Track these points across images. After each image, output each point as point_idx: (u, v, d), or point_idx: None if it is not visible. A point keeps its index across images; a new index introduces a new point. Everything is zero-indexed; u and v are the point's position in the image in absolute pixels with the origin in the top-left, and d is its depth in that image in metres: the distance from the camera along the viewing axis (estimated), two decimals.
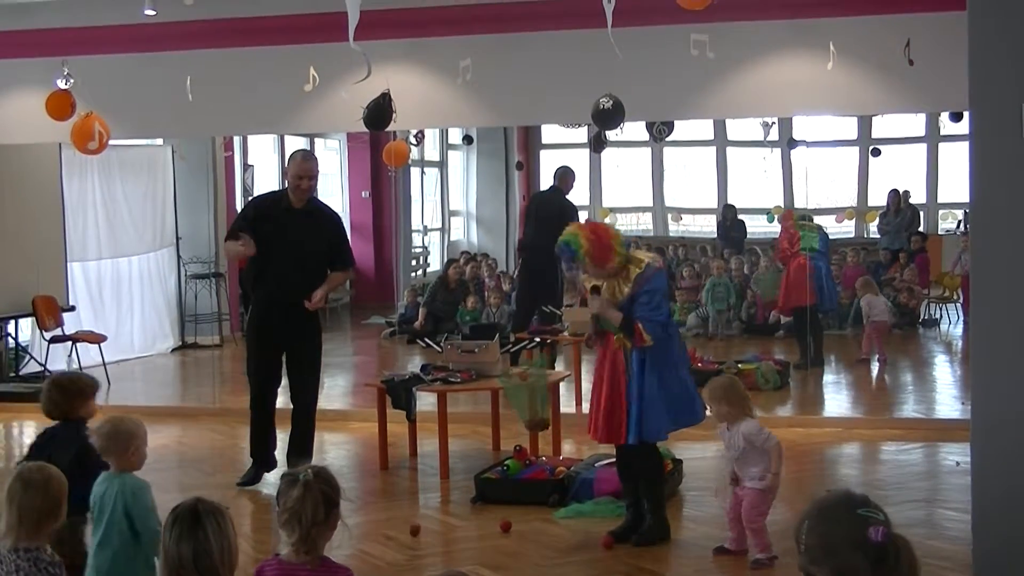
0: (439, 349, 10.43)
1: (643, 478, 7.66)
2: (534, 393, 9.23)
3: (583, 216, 25.73)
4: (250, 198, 9.81)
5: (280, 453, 9.43)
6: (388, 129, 11.59)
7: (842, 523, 2.86)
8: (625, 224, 25.37)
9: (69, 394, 6.39)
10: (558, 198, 14.32)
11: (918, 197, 23.37)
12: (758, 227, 23.54)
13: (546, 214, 13.92)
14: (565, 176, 14.58)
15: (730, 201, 24.50)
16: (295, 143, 20.78)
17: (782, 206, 23.34)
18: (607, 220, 19.04)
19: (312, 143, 21.45)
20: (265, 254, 9.05)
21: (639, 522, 7.65)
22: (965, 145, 19.86)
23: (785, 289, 14.22)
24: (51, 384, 6.49)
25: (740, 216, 23.34)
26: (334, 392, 13.87)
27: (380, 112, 10.53)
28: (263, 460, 9.36)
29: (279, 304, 9.17)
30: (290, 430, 9.45)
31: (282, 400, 9.66)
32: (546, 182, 26.55)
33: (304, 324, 9.25)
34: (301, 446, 9.28)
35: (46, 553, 4.50)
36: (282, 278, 9.08)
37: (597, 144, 19.27)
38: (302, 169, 9.20)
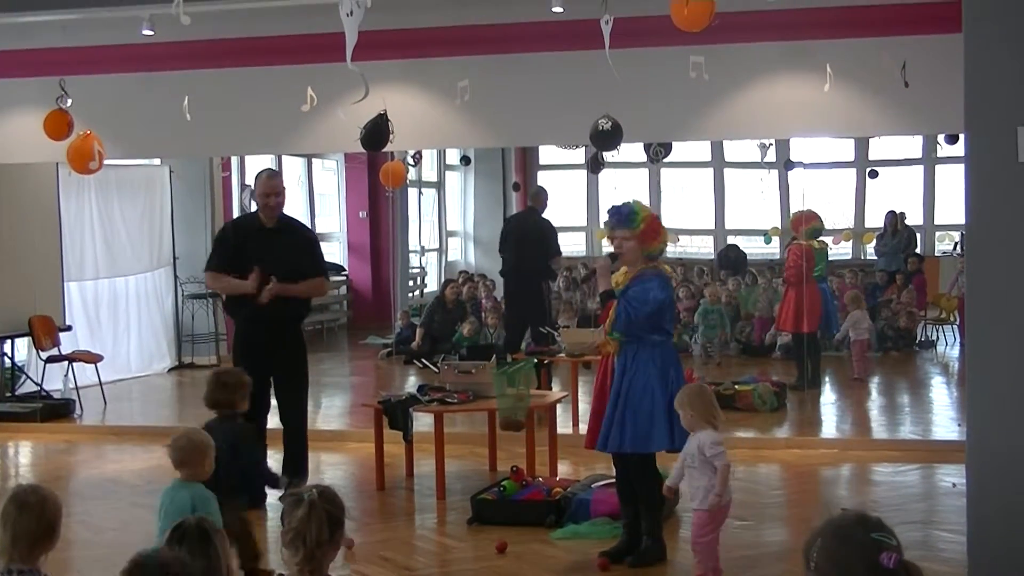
0: (436, 370, 10.44)
1: (641, 498, 7.66)
2: (520, 399, 9.28)
3: (580, 236, 25.87)
4: (224, 224, 9.89)
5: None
6: (385, 150, 11.59)
7: (855, 545, 2.85)
8: None
9: (231, 388, 7.26)
10: (535, 218, 14.34)
11: (915, 218, 23.38)
12: (755, 248, 23.54)
13: (525, 235, 13.94)
14: (539, 195, 14.64)
15: (728, 225, 24.56)
16: (293, 163, 20.84)
17: (779, 227, 23.38)
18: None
19: (310, 163, 21.49)
20: (244, 276, 9.16)
21: (635, 543, 7.64)
22: (962, 167, 20.00)
23: (795, 311, 13.94)
24: (215, 379, 7.37)
25: (738, 239, 23.38)
26: (331, 412, 13.88)
27: (377, 132, 10.53)
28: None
29: (264, 323, 9.21)
30: (283, 451, 9.42)
31: (273, 421, 9.64)
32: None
33: (289, 343, 9.29)
34: (296, 465, 9.27)
35: (38, 574, 4.47)
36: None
37: (595, 165, 19.28)
38: (268, 187, 9.35)
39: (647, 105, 10.74)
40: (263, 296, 9.13)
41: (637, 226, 7.53)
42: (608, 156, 17.81)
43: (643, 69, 10.32)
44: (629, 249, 7.61)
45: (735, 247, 23.61)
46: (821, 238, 14.66)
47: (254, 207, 9.86)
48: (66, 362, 13.92)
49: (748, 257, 23.20)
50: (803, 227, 14.20)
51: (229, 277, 9.40)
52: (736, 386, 12.83)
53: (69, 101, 11.14)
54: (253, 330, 9.32)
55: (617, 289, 7.60)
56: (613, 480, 8.05)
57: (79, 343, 14.82)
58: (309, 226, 21.34)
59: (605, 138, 10.24)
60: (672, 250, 25.98)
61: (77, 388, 13.80)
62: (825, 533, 2.92)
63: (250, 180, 18.77)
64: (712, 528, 6.98)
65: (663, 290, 7.56)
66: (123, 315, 16.29)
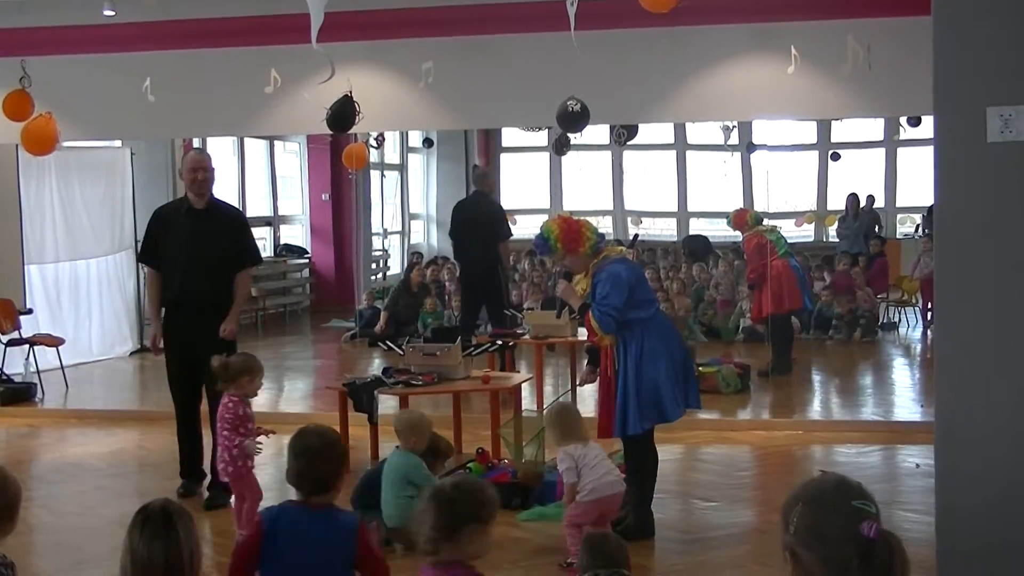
0: (401, 352, 10.41)
1: (635, 471, 7.75)
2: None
3: (542, 219, 25.83)
4: (154, 210, 9.73)
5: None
6: (351, 131, 11.54)
7: (836, 513, 2.85)
8: None
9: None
10: (485, 201, 14.16)
11: (877, 201, 23.48)
12: (718, 231, 23.60)
13: (473, 220, 13.75)
14: (486, 178, 14.49)
15: (691, 207, 24.66)
16: (255, 145, 20.76)
17: (746, 207, 23.41)
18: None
19: (272, 145, 21.41)
20: (170, 259, 9.06)
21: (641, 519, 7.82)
22: (923, 149, 20.10)
23: (772, 296, 13.77)
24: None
25: (700, 221, 23.45)
26: (295, 395, 13.84)
27: (344, 113, 10.48)
28: (193, 473, 9.25)
29: (187, 308, 9.02)
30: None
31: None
32: (506, 186, 26.61)
33: (215, 328, 9.01)
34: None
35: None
36: (188, 281, 8.99)
37: (560, 147, 19.23)
38: (195, 161, 9.18)
39: (611, 87, 10.73)
40: (225, 335, 8.98)
41: (556, 248, 7.74)
42: (572, 138, 17.79)
43: (608, 51, 10.34)
44: (569, 263, 7.91)
45: (699, 237, 23.64)
46: (764, 222, 14.70)
47: (218, 190, 9.68)
48: (27, 345, 13.80)
49: (711, 240, 23.24)
50: (745, 220, 14.27)
51: (154, 289, 9.31)
52: (700, 368, 12.83)
53: (30, 85, 11.05)
54: (176, 318, 9.14)
55: (587, 298, 7.71)
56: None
57: (40, 326, 14.71)
58: (269, 208, 21.42)
59: (573, 120, 10.22)
60: (635, 232, 26.07)
61: (39, 372, 13.70)
62: (805, 498, 2.91)
63: (214, 163, 18.72)
64: (583, 520, 7.12)
65: (622, 272, 7.64)
66: (84, 298, 16.18)
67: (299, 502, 4.66)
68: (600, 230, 8.04)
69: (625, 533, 7.58)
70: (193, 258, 8.98)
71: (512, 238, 14.50)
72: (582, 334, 12.28)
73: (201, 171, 9.12)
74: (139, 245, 9.63)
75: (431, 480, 7.27)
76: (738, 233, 14.97)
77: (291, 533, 4.53)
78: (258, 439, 7.71)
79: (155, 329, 9.24)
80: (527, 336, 12.56)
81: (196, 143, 17.59)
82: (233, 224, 9.40)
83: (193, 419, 9.27)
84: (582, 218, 8.14)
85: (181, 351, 9.06)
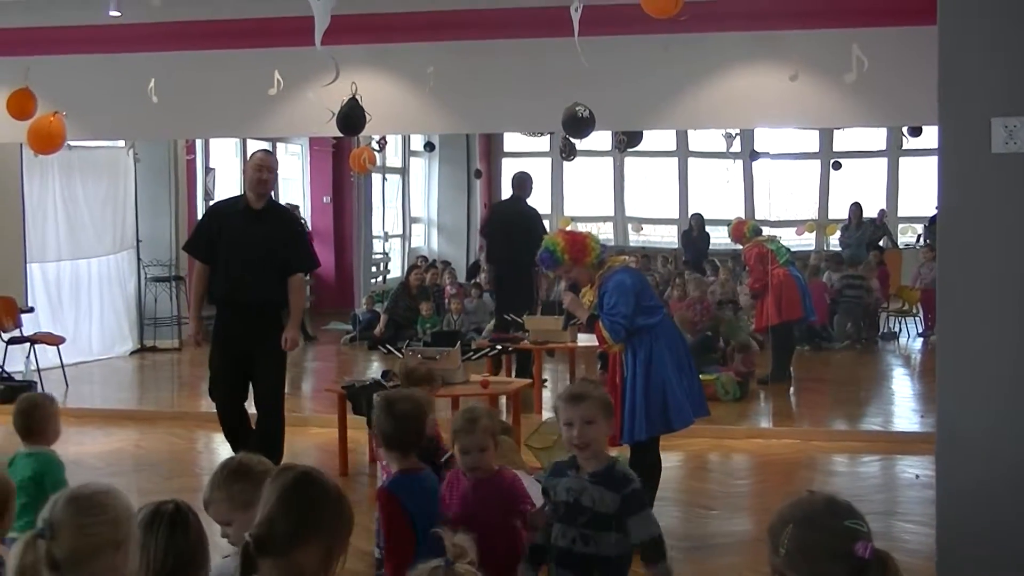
0: (400, 355, 10.40)
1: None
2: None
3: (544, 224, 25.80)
4: (211, 203, 9.61)
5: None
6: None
7: (829, 534, 2.82)
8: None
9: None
10: (520, 206, 14.21)
11: (877, 210, 23.49)
12: (719, 239, 23.59)
13: (510, 223, 13.85)
14: (523, 182, 14.50)
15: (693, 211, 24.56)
16: (257, 147, 20.72)
17: (744, 218, 23.40)
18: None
19: (274, 148, 21.37)
20: (223, 258, 8.99)
21: None
22: (925, 159, 20.04)
23: (775, 305, 13.70)
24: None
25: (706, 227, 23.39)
26: (294, 397, 13.82)
27: (353, 116, 10.49)
28: None
29: (238, 307, 9.00)
30: (255, 432, 9.21)
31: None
32: (508, 190, 26.60)
33: (267, 326, 9.09)
34: (271, 450, 9.11)
35: None
36: (240, 281, 8.94)
37: (568, 152, 19.19)
38: (262, 160, 9.08)
39: (614, 93, 10.73)
40: (288, 346, 9.07)
41: (562, 259, 7.76)
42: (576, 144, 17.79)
43: (611, 57, 10.33)
44: (576, 276, 7.91)
45: (699, 216, 23.54)
46: (764, 232, 14.71)
47: (218, 191, 9.68)
48: (28, 344, 13.82)
49: (711, 247, 23.19)
50: (744, 231, 14.27)
51: (200, 283, 9.22)
52: (699, 375, 12.82)
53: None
54: (228, 316, 9.12)
55: (594, 308, 7.73)
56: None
57: (41, 325, 14.73)
58: None
59: (580, 125, 10.24)
60: (635, 239, 26.08)
61: (39, 370, 13.70)
62: (796, 519, 2.88)
63: (214, 164, 18.75)
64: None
65: (627, 280, 7.67)
66: (85, 297, 16.20)
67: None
68: (600, 238, 8.07)
69: None
70: (247, 258, 8.92)
71: None
72: (582, 340, 12.32)
73: (266, 171, 9.08)
74: (191, 243, 9.48)
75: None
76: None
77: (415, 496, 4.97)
78: None
79: (195, 322, 9.22)
80: (526, 341, 12.55)
81: (198, 144, 17.64)
82: (289, 227, 9.36)
83: (239, 421, 9.21)
84: (584, 230, 8.16)
85: (229, 350, 9.03)
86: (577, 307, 7.93)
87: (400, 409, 5.16)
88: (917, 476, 9.47)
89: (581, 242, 7.76)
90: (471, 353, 10.92)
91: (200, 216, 9.51)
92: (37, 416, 6.01)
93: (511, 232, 13.73)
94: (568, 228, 8.36)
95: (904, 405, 13.19)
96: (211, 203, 9.68)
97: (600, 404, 4.88)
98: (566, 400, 4.93)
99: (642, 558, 4.75)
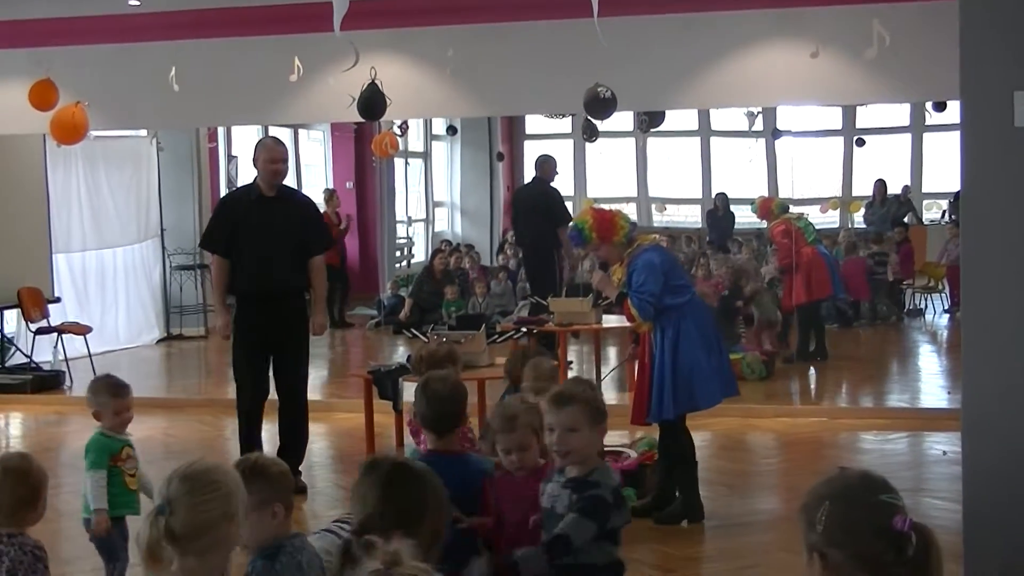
0: (425, 339, 10.41)
1: (670, 458, 7.86)
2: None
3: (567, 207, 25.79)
4: (221, 199, 9.48)
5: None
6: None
7: (866, 508, 2.79)
8: None
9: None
10: (542, 188, 14.23)
11: (901, 187, 23.41)
12: (743, 217, 23.55)
13: (532, 206, 13.90)
14: (546, 164, 14.48)
15: (715, 194, 24.51)
16: (279, 134, 20.74)
17: (770, 195, 23.36)
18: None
19: (296, 134, 21.41)
20: (243, 249, 8.89)
21: (664, 502, 7.83)
22: (949, 135, 19.96)
23: (804, 284, 13.63)
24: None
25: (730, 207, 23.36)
26: (318, 383, 13.85)
27: (374, 101, 10.49)
28: None
29: (264, 297, 8.93)
30: (279, 422, 9.20)
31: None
32: (530, 172, 26.58)
33: (294, 314, 9.07)
34: (296, 439, 9.13)
35: (29, 539, 4.50)
36: (264, 270, 8.87)
37: (590, 133, 19.17)
38: (277, 153, 8.99)
39: (635, 74, 10.72)
40: (316, 331, 9.20)
41: (591, 238, 7.77)
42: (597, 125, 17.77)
43: (631, 37, 10.31)
44: (604, 253, 7.94)
45: (723, 195, 23.53)
46: (791, 209, 14.66)
47: (241, 178, 9.65)
48: (55, 334, 13.90)
49: (736, 227, 23.17)
50: (771, 208, 14.20)
51: (222, 276, 9.07)
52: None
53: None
54: (251, 306, 9.04)
55: (623, 287, 7.73)
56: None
57: (67, 315, 14.80)
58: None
59: (602, 106, 10.24)
60: (659, 219, 26.05)
61: (67, 359, 13.78)
62: (832, 496, 2.85)
63: (237, 151, 18.77)
64: None
65: (655, 258, 7.68)
66: (111, 287, 16.26)
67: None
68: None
69: (669, 517, 7.64)
70: (270, 247, 8.85)
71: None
72: (607, 321, 12.31)
73: (281, 162, 9.00)
74: (207, 239, 9.34)
75: None
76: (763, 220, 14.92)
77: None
78: None
79: (222, 315, 9.14)
80: (551, 323, 12.52)
81: (220, 132, 17.66)
82: (305, 211, 9.28)
83: (259, 417, 9.11)
84: (613, 207, 8.14)
85: (257, 340, 8.97)
86: (606, 285, 7.96)
87: (434, 389, 5.14)
88: (944, 453, 9.44)
89: (609, 220, 7.75)
90: (496, 336, 10.92)
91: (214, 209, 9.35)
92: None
93: (532, 215, 13.78)
94: (598, 207, 8.31)
95: (931, 382, 13.15)
96: (221, 197, 9.50)
97: (586, 410, 4.56)
98: (550, 402, 4.62)
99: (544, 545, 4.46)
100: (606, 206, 8.89)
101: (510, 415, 4.89)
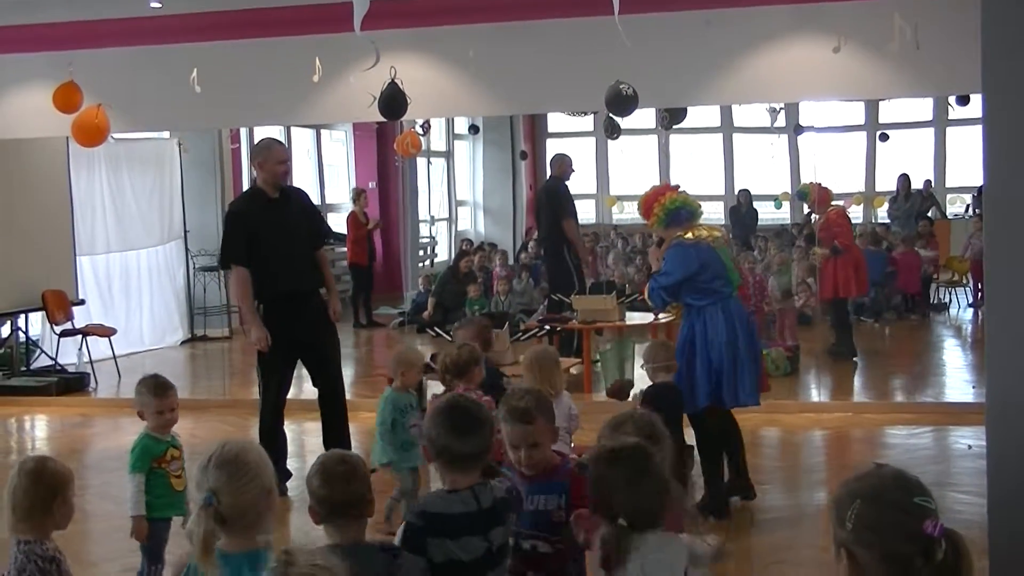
0: (449, 338, 10.42)
1: (700, 452, 7.96)
2: (623, 362, 9.33)
3: (590, 204, 25.81)
4: (229, 211, 9.39)
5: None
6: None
7: (898, 510, 2.75)
8: (632, 211, 25.34)
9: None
10: (551, 184, 14.31)
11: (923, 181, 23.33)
12: (766, 214, 23.53)
13: (543, 202, 14.07)
14: (560, 163, 14.50)
15: (738, 191, 24.46)
16: (301, 135, 20.82)
17: (789, 192, 23.32)
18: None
19: (318, 134, 21.46)
20: (266, 255, 8.83)
21: (715, 495, 7.86)
22: (973, 129, 19.86)
23: (855, 278, 13.66)
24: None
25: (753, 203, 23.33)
26: (344, 382, 13.86)
27: (396, 100, 10.50)
28: (280, 473, 8.78)
29: (295, 298, 8.94)
30: (323, 420, 9.27)
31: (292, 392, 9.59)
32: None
33: (322, 310, 9.09)
34: (340, 434, 9.17)
35: (41, 547, 4.33)
36: (291, 271, 8.88)
37: (612, 131, 19.17)
38: (283, 153, 9.07)
39: (657, 71, 10.71)
40: (336, 317, 9.24)
41: (640, 210, 8.11)
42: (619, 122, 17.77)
43: (653, 35, 10.30)
44: (657, 232, 8.11)
45: (746, 192, 23.52)
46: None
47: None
48: (80, 336, 13.97)
49: (759, 223, 23.16)
50: (828, 197, 14.13)
51: (248, 287, 8.89)
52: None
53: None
54: (283, 309, 8.97)
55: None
56: None
57: (92, 317, 14.85)
58: (317, 197, 21.50)
59: (624, 103, 10.24)
60: None
61: (91, 361, 13.84)
62: (864, 495, 2.81)
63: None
64: None
65: (686, 255, 7.70)
66: (135, 289, 16.32)
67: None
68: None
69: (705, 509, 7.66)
70: (289, 247, 8.88)
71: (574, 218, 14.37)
72: (630, 318, 12.31)
73: (288, 161, 9.17)
74: (230, 254, 9.02)
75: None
76: (785, 215, 14.93)
77: None
78: None
79: (259, 327, 8.83)
80: (574, 321, 12.52)
81: (243, 133, 17.71)
82: (305, 205, 9.34)
83: (281, 418, 9.16)
84: (672, 192, 8.03)
85: (290, 341, 8.94)
86: (653, 259, 8.20)
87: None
88: (969, 447, 9.42)
89: (650, 200, 7.92)
90: (519, 334, 10.93)
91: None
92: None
93: (541, 211, 13.96)
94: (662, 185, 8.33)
95: (956, 376, 13.10)
96: (228, 211, 9.41)
97: (545, 424, 4.54)
98: (513, 417, 4.49)
99: None
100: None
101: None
